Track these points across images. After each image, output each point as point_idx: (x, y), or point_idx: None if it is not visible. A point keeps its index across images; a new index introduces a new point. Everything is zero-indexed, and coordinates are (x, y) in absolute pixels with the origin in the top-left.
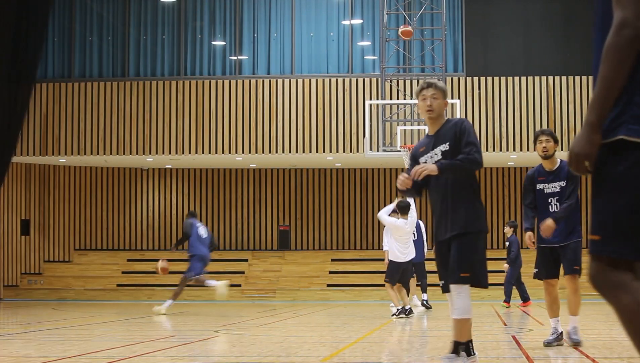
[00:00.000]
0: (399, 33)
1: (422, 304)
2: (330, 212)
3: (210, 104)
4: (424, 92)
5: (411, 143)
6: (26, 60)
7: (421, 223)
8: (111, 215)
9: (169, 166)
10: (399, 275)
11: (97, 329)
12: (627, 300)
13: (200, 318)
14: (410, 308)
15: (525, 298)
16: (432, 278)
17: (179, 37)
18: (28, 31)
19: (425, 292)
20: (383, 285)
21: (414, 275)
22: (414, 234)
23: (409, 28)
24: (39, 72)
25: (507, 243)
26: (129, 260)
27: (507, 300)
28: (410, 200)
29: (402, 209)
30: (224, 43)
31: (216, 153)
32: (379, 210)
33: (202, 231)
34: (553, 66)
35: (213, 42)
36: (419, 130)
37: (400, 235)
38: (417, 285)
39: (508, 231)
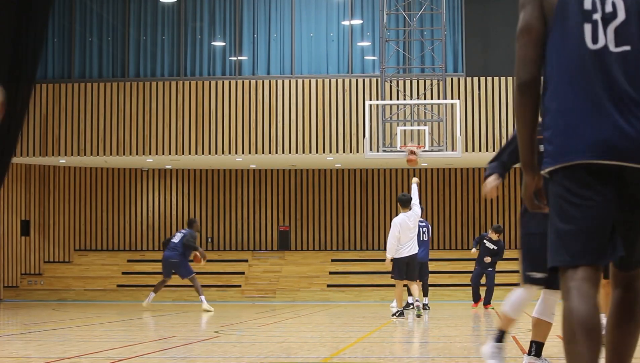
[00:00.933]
0: (406, 160)
1: (422, 307)
2: (330, 212)
3: (210, 104)
4: None
5: (411, 143)
6: (26, 60)
7: (428, 224)
8: (111, 216)
9: (169, 167)
10: (405, 269)
11: (97, 330)
12: (563, 308)
13: (200, 319)
14: (412, 304)
15: (477, 299)
16: (432, 279)
17: (178, 38)
18: (28, 31)
19: (427, 295)
20: (383, 286)
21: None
22: (425, 234)
23: (415, 157)
24: (38, 73)
25: (494, 247)
26: (129, 261)
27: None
28: (414, 195)
29: (404, 203)
30: (223, 44)
31: (216, 153)
32: (379, 210)
33: (175, 236)
34: None
35: (213, 43)
36: (418, 130)
37: (404, 231)
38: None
39: (495, 235)
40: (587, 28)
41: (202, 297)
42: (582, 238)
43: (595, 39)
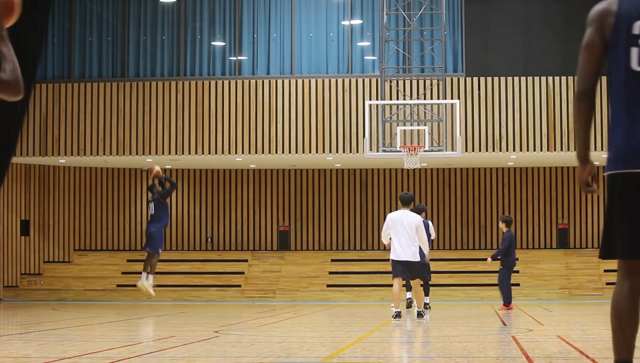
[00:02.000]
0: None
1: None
2: (330, 212)
3: (210, 104)
4: None
5: (410, 143)
6: (26, 60)
7: (430, 223)
8: (111, 216)
9: (169, 167)
10: (404, 269)
11: (96, 329)
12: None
13: (200, 319)
14: (410, 298)
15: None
16: (432, 279)
17: (178, 38)
18: (28, 31)
19: (428, 294)
20: (383, 286)
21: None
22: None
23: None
24: (38, 73)
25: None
26: (128, 261)
27: (508, 302)
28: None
29: (405, 201)
30: (223, 44)
31: (216, 153)
32: (378, 210)
33: (150, 208)
34: (553, 66)
35: (213, 43)
36: (418, 130)
37: (395, 225)
38: (421, 286)
39: (503, 227)
40: (634, 52)
41: (151, 277)
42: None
43: None
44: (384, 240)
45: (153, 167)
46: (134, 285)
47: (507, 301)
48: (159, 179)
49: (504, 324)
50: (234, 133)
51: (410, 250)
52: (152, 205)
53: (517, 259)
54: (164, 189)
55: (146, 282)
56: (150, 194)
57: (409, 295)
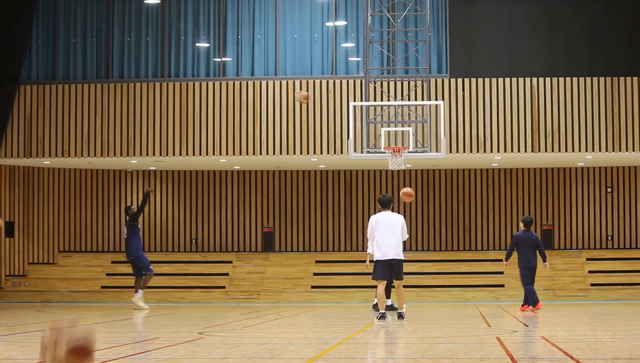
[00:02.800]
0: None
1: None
2: (315, 214)
3: (194, 105)
4: None
5: (395, 144)
6: (10, 61)
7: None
8: (95, 217)
9: (153, 168)
10: (388, 271)
11: None
12: None
13: (185, 320)
14: (392, 304)
15: (526, 302)
16: (416, 280)
17: (162, 39)
18: (12, 33)
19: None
20: (367, 287)
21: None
22: None
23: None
24: (23, 74)
25: None
26: (113, 262)
27: (526, 303)
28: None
29: (384, 204)
30: (207, 45)
31: (200, 154)
32: (363, 212)
33: (125, 233)
34: (537, 68)
35: (197, 44)
36: (402, 131)
37: (380, 226)
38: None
39: (522, 226)
40: None
41: (141, 292)
42: None
43: None
44: (370, 242)
45: (304, 93)
46: (119, 287)
47: (531, 302)
48: (145, 196)
49: (489, 325)
50: (218, 134)
51: (398, 248)
52: (125, 228)
53: (525, 257)
54: (135, 211)
55: (135, 297)
56: (126, 217)
57: (389, 302)
